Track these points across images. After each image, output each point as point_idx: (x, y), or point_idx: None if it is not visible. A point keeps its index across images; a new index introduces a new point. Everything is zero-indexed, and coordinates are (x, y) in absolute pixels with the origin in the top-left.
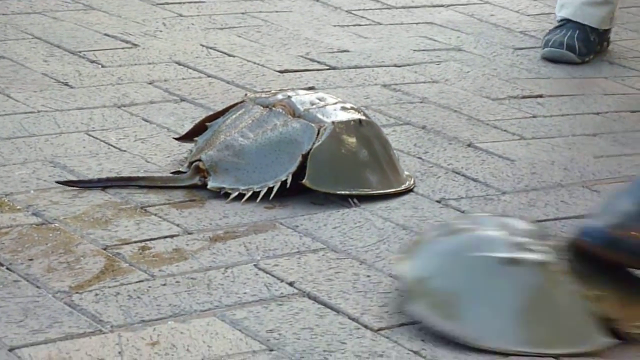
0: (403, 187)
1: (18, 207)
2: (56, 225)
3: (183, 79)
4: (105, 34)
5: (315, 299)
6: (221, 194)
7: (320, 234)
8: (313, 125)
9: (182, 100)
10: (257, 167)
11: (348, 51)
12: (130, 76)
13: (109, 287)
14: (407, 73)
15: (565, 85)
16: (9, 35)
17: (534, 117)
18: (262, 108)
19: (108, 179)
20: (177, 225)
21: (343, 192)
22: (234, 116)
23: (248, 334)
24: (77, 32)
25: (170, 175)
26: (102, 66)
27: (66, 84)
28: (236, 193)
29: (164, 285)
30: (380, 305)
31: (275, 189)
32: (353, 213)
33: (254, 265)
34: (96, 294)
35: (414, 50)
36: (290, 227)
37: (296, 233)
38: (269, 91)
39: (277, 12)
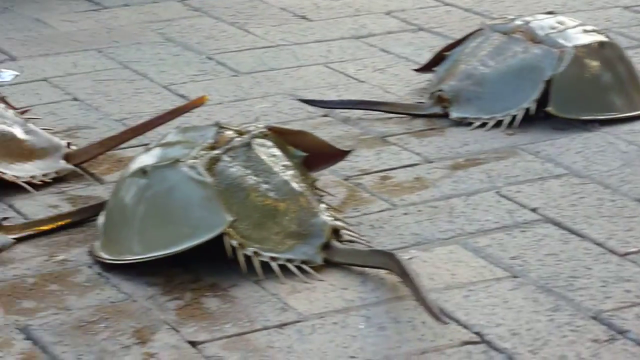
0: None
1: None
2: None
3: (420, 8)
4: None
5: (559, 225)
6: (463, 124)
7: (563, 159)
8: (554, 50)
9: (420, 29)
10: (499, 96)
11: None
12: (368, 7)
13: (351, 217)
14: None
15: None
16: None
17: None
18: (501, 35)
19: (350, 101)
20: (418, 154)
21: (588, 117)
22: (473, 44)
23: (491, 261)
24: None
25: (412, 103)
26: None
27: (304, 17)
28: (479, 122)
29: (406, 214)
30: (626, 229)
31: (519, 117)
32: (595, 137)
33: (496, 192)
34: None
35: None
36: (531, 154)
37: (538, 159)
38: (507, 18)
39: None
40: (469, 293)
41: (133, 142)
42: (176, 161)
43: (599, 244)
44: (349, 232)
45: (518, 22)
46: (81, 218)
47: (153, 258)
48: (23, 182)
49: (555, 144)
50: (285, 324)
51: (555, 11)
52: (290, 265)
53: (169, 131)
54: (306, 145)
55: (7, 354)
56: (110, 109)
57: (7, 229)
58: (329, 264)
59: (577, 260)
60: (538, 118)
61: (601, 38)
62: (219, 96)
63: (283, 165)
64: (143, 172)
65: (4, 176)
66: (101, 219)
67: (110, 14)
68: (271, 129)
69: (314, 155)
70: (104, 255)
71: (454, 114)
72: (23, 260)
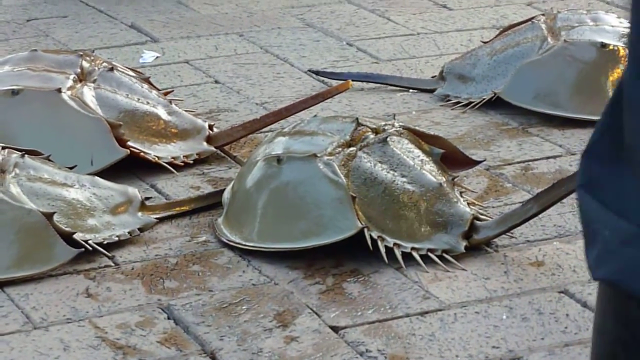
0: None
1: None
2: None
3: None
4: None
5: None
6: (446, 102)
7: None
8: (540, 42)
9: None
10: (485, 78)
11: None
12: None
13: (493, 207)
14: None
15: None
16: None
17: None
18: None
19: (360, 74)
20: (560, 145)
21: (534, 109)
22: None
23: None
24: None
25: (421, 78)
26: None
27: (444, 6)
28: (454, 101)
29: None
30: None
31: (480, 103)
32: None
33: None
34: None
35: None
36: None
37: None
38: (575, 10)
39: None
40: None
41: (274, 125)
42: (313, 155)
43: None
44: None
45: (563, 13)
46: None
47: (276, 250)
48: (165, 162)
49: None
50: (427, 312)
51: None
52: (432, 255)
53: (306, 119)
54: (440, 148)
55: (149, 332)
56: (251, 93)
57: (150, 209)
58: (471, 253)
59: None
60: None
61: (610, 41)
62: (360, 83)
63: (420, 160)
64: (278, 160)
65: (147, 156)
66: (227, 194)
67: None
68: (407, 128)
69: (446, 159)
70: (226, 231)
71: (439, 91)
72: (165, 240)
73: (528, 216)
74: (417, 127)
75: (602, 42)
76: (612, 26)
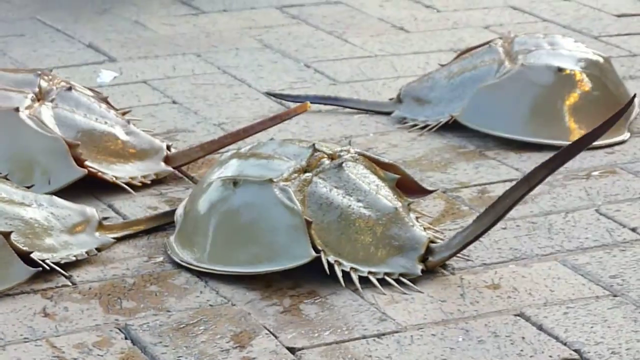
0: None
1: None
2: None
3: (518, 23)
4: None
5: None
6: (403, 124)
7: None
8: (497, 65)
9: None
10: (442, 101)
11: None
12: (466, 21)
13: (450, 229)
14: None
15: None
16: None
17: None
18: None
19: (318, 97)
20: (516, 169)
21: (496, 133)
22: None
23: (591, 279)
24: None
25: (377, 101)
26: (438, 11)
27: (402, 29)
28: (411, 123)
29: (504, 229)
30: None
31: (442, 123)
32: None
33: (595, 210)
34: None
35: None
36: (631, 173)
37: (638, 178)
38: (532, 34)
39: None
40: (568, 310)
41: (232, 146)
42: (269, 180)
43: None
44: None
45: (520, 37)
46: None
47: (227, 273)
48: (123, 182)
49: None
50: (384, 334)
51: None
52: (389, 279)
53: (263, 141)
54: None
55: (107, 352)
56: (209, 113)
57: (107, 229)
58: (428, 276)
59: None
60: (635, 137)
61: (567, 65)
62: (318, 105)
63: (375, 185)
64: (234, 182)
65: (105, 176)
66: (179, 213)
67: (209, 19)
68: (362, 155)
69: (401, 186)
70: (178, 250)
71: (396, 113)
72: (123, 260)
73: (480, 232)
74: (374, 149)
75: (558, 67)
76: (569, 50)
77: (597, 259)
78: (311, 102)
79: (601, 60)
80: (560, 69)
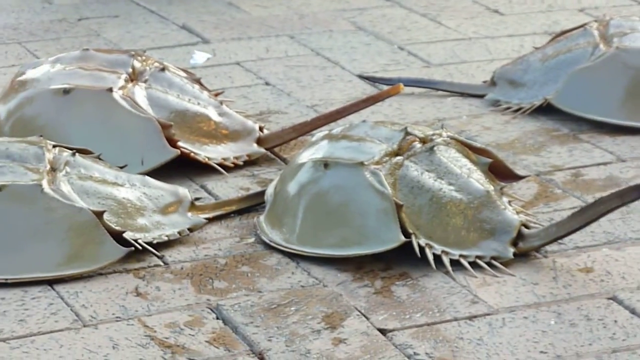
0: None
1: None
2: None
3: (614, 6)
4: None
5: None
6: (497, 107)
7: None
8: (592, 48)
9: None
10: (536, 83)
11: None
12: (561, 3)
13: (542, 212)
14: None
15: None
16: None
17: None
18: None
19: (410, 79)
20: (610, 152)
21: (589, 117)
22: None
23: None
24: None
25: (472, 83)
26: None
27: (496, 11)
28: (506, 106)
29: None
30: None
31: (531, 109)
32: None
33: None
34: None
35: None
36: None
37: None
38: (628, 16)
39: None
40: None
41: (324, 128)
42: (360, 163)
43: None
44: (539, 227)
45: (615, 19)
46: None
47: (318, 255)
48: (215, 163)
49: None
50: (476, 316)
51: None
52: (480, 262)
53: (355, 122)
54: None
55: (198, 332)
56: (302, 95)
57: (199, 209)
58: (520, 259)
59: None
60: None
61: None
62: (410, 87)
63: (467, 169)
64: (325, 164)
65: (197, 157)
66: (269, 193)
67: (303, 1)
68: (454, 138)
69: (493, 170)
70: (267, 231)
71: (489, 95)
72: (215, 241)
73: (575, 227)
74: (467, 132)
75: None
76: None
77: None
78: (404, 85)
79: None
80: None
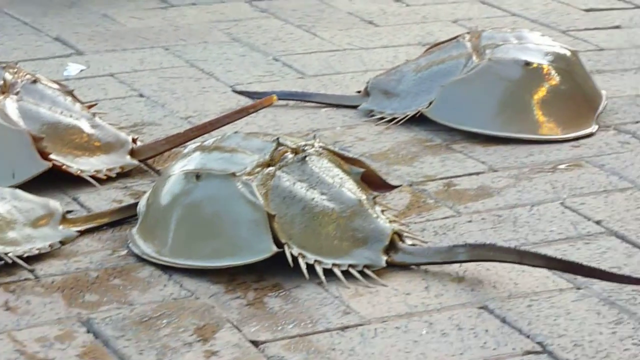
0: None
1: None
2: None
3: (487, 17)
4: None
5: (622, 238)
6: (370, 117)
7: (628, 173)
8: (465, 60)
9: None
10: (410, 94)
11: None
12: (435, 15)
13: (415, 222)
14: None
15: None
16: None
17: None
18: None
19: (284, 92)
20: (483, 162)
21: (464, 128)
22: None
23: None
24: None
25: (345, 95)
26: (407, 5)
27: (371, 23)
28: (379, 116)
29: (470, 222)
30: None
31: (405, 119)
32: None
33: (560, 203)
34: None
35: None
36: (596, 166)
37: (603, 172)
38: (500, 28)
39: None
40: (532, 303)
41: (198, 140)
42: (232, 174)
43: None
44: (411, 236)
45: (487, 32)
46: None
47: (190, 267)
48: (88, 176)
49: (620, 157)
50: (348, 327)
51: (622, 26)
52: (353, 271)
53: (228, 134)
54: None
55: (68, 346)
56: (176, 107)
57: (71, 222)
58: (392, 269)
59: None
60: (601, 131)
61: (535, 59)
62: (286, 99)
63: (339, 178)
64: (197, 176)
65: (70, 169)
66: (142, 205)
67: (178, 12)
68: (326, 149)
69: (365, 180)
70: (139, 243)
71: (363, 105)
72: (86, 254)
73: (452, 261)
74: (341, 143)
75: (526, 61)
76: (536, 44)
77: (562, 252)
78: (278, 98)
79: (568, 53)
80: (527, 63)
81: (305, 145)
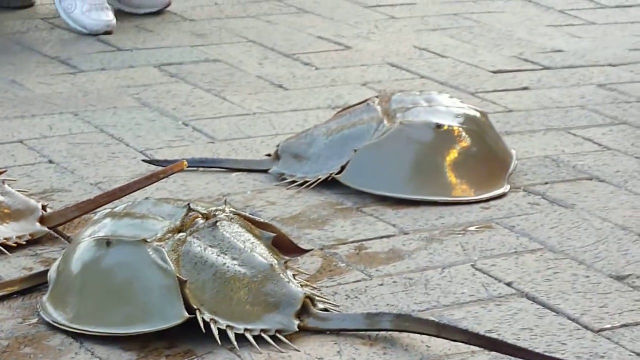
0: (466, 197)
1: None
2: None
3: (396, 80)
4: (319, 37)
5: (534, 300)
6: (281, 181)
7: (538, 235)
8: (376, 124)
9: None
10: (321, 158)
11: (562, 51)
12: (344, 78)
13: (327, 286)
14: (623, 73)
15: None
16: (224, 39)
17: None
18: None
19: (193, 160)
20: (393, 225)
21: (376, 192)
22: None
23: None
24: (290, 35)
25: (256, 159)
26: (316, 68)
27: (281, 86)
28: (290, 180)
29: (382, 285)
30: (601, 306)
31: (316, 183)
32: (570, 213)
33: (471, 265)
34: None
35: (630, 49)
36: (507, 228)
37: (513, 233)
38: (409, 91)
39: (489, 12)
40: None
41: (108, 206)
42: (143, 240)
43: (573, 320)
44: (324, 300)
45: (397, 95)
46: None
47: (101, 334)
48: None
49: (530, 219)
50: None
51: (530, 87)
52: (265, 336)
53: (138, 200)
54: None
55: None
56: (86, 173)
57: None
58: (305, 333)
59: (552, 335)
60: (511, 192)
61: (445, 121)
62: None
63: (251, 244)
64: (107, 242)
65: None
66: (52, 273)
67: (87, 78)
68: (237, 214)
69: (277, 245)
70: (50, 311)
71: (274, 169)
72: None
73: (366, 329)
74: (251, 207)
75: (437, 123)
76: (446, 106)
77: (473, 314)
78: (189, 165)
79: (478, 115)
80: (438, 126)
81: (217, 210)
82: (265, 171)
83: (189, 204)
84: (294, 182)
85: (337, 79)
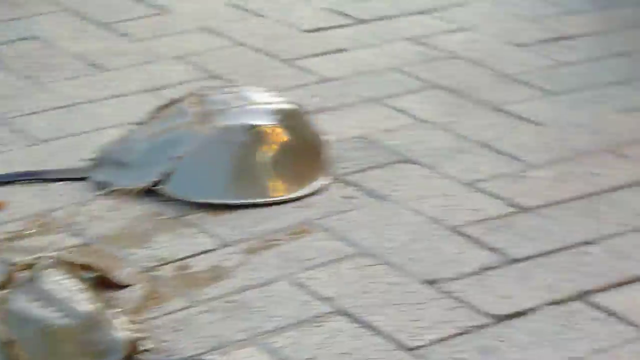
0: (273, 198)
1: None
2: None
3: (211, 50)
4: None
5: (352, 317)
6: (102, 189)
7: (353, 236)
8: (189, 129)
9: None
10: (140, 165)
11: None
12: (159, 51)
13: (153, 318)
14: (433, 21)
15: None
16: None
17: (562, 64)
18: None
19: (9, 175)
20: (213, 236)
21: (203, 200)
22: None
23: None
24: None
25: (73, 168)
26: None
27: (97, 66)
28: (110, 189)
29: (207, 311)
30: (414, 319)
31: (142, 188)
32: (384, 206)
33: (290, 281)
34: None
35: None
36: (323, 230)
37: (329, 237)
38: (220, 87)
39: None
40: None
41: None
42: None
43: (388, 337)
44: (150, 337)
45: (210, 96)
46: None
47: None
48: None
49: (344, 217)
50: None
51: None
52: None
53: None
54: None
55: None
56: None
57: None
58: None
59: (368, 359)
60: (329, 186)
61: (261, 121)
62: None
63: (72, 290)
64: None
65: None
66: None
67: None
68: (59, 260)
69: (99, 283)
70: None
71: (93, 177)
72: None
73: None
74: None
75: (250, 124)
76: (258, 104)
77: (293, 340)
78: (6, 182)
79: (292, 108)
80: (252, 127)
81: (38, 258)
82: (85, 179)
83: (8, 259)
84: (114, 191)
85: (152, 52)
